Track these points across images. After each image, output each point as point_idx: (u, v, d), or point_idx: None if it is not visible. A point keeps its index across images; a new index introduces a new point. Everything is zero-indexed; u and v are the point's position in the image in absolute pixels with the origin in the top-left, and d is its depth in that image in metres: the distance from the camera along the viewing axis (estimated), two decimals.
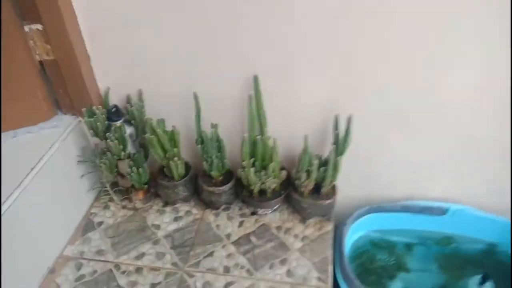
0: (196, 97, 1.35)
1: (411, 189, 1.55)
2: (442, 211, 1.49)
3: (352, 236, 1.52)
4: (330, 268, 1.32)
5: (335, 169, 1.35)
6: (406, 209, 1.51)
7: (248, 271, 1.30)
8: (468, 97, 1.27)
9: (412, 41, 1.17)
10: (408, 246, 1.54)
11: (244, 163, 1.35)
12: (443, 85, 1.25)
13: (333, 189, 1.45)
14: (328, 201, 1.42)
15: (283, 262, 1.33)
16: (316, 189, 1.42)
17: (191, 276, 1.28)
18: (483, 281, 1.42)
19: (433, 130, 1.37)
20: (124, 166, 1.43)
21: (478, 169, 1.45)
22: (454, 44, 1.16)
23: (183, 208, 1.52)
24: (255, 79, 1.29)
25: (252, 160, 1.36)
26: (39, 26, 1.18)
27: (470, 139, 1.37)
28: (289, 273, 1.29)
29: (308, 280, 1.27)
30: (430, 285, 1.43)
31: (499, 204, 1.50)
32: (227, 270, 1.30)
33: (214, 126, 1.37)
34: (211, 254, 1.35)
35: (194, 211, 1.51)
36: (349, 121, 1.28)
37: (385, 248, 1.54)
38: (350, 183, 1.55)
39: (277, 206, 1.48)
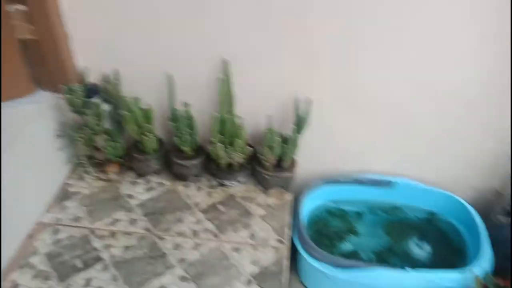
0: (169, 78, 1.47)
1: (362, 164, 1.73)
2: (389, 184, 1.69)
3: (310, 205, 1.69)
4: (288, 231, 1.49)
5: (295, 145, 1.51)
6: (358, 181, 1.69)
7: (214, 234, 1.45)
8: (406, 82, 1.45)
9: (362, 27, 1.34)
10: (359, 214, 1.74)
11: (214, 139, 1.49)
12: (388, 71, 1.43)
13: (293, 163, 1.61)
14: (288, 174, 1.58)
15: (246, 226, 1.49)
16: (278, 163, 1.58)
17: (162, 239, 1.42)
18: (421, 242, 1.63)
19: (378, 111, 1.55)
20: (100, 140, 1.54)
21: (419, 147, 1.65)
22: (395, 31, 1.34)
23: (155, 179, 1.65)
24: (225, 62, 1.42)
25: (221, 137, 1.49)
26: (23, 7, 1.25)
27: (411, 120, 1.56)
28: (251, 235, 1.45)
29: (268, 241, 1.44)
30: (376, 247, 1.63)
31: (437, 178, 1.71)
32: (195, 234, 1.45)
33: (186, 105, 1.50)
34: (180, 220, 1.49)
35: (166, 182, 1.64)
36: (308, 104, 1.44)
37: (338, 216, 1.73)
38: (309, 159, 1.72)
39: (243, 178, 1.63)
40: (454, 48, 1.35)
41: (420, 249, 1.63)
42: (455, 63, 1.39)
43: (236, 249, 1.41)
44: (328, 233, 1.66)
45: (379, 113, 1.55)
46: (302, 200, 1.58)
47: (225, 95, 1.45)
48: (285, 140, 1.51)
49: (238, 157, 1.53)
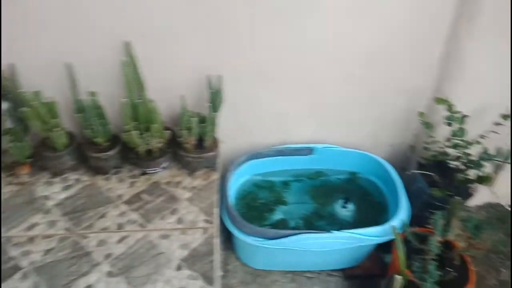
0: (68, 67, 1.38)
1: (284, 135, 1.76)
2: (310, 151, 1.74)
3: (237, 182, 1.71)
4: (216, 210, 1.49)
5: (213, 124, 1.49)
6: (280, 153, 1.72)
7: (140, 224, 1.42)
8: (313, 51, 1.48)
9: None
10: (285, 184, 1.78)
11: (127, 127, 1.43)
12: (296, 41, 1.44)
13: (215, 142, 1.60)
14: (211, 154, 1.57)
15: (173, 212, 1.46)
16: (200, 144, 1.56)
17: (84, 237, 1.36)
18: (345, 203, 1.71)
19: (290, 82, 1.57)
20: (3, 142, 1.42)
21: (334, 113, 1.70)
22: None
23: (72, 176, 1.57)
24: (127, 44, 1.35)
25: (134, 123, 1.44)
26: None
27: (322, 87, 1.60)
28: (179, 220, 1.44)
29: (196, 223, 1.43)
30: (303, 213, 1.69)
31: (355, 139, 1.79)
32: (120, 227, 1.40)
33: (93, 94, 1.42)
34: (103, 215, 1.44)
35: (84, 178, 1.56)
36: (219, 81, 1.42)
37: (266, 187, 1.76)
38: (232, 136, 1.72)
39: (166, 163, 1.59)
40: (355, 11, 1.39)
41: (345, 209, 1.71)
42: (358, 25, 1.43)
43: (164, 236, 1.39)
44: (257, 206, 1.69)
45: (292, 83, 1.57)
46: (227, 178, 1.58)
47: (132, 78, 1.39)
48: (202, 120, 1.48)
49: (156, 143, 1.48)
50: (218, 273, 1.33)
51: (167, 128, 1.54)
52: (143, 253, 1.33)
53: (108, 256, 1.32)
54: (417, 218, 1.60)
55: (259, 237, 1.43)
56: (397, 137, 1.83)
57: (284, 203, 1.72)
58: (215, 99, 1.45)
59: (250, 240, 1.43)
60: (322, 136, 1.77)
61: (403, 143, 1.87)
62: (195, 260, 1.33)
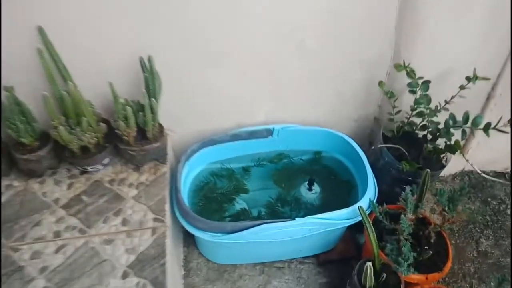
0: None
1: (239, 118, 1.62)
2: (269, 133, 1.60)
3: (191, 172, 1.56)
4: (167, 206, 1.34)
5: (153, 111, 1.34)
6: (237, 137, 1.58)
7: (80, 230, 1.26)
8: (261, 26, 1.32)
9: None
10: (245, 170, 1.64)
11: (54, 122, 1.26)
12: (240, 14, 1.28)
13: (161, 131, 1.44)
14: (156, 145, 1.42)
15: (117, 213, 1.31)
16: (142, 135, 1.40)
17: (16, 250, 1.20)
18: (310, 185, 1.59)
19: (239, 61, 1.42)
20: None
21: (290, 90, 1.56)
22: None
23: (2, 183, 1.39)
24: (40, 30, 1.17)
25: (63, 118, 1.27)
26: None
27: (274, 65, 1.46)
28: (124, 221, 1.29)
29: (144, 224, 1.29)
30: (266, 199, 1.56)
31: (316, 117, 1.66)
32: (57, 235, 1.25)
33: (9, 89, 1.23)
34: (38, 223, 1.27)
35: (16, 183, 1.39)
36: (150, 61, 1.26)
37: (225, 176, 1.62)
38: (183, 123, 1.57)
39: (107, 160, 1.43)
40: None
41: (310, 192, 1.59)
42: None
43: (108, 241, 1.24)
44: (216, 197, 1.55)
45: (241, 61, 1.43)
46: (178, 169, 1.43)
47: (51, 68, 1.21)
48: (140, 108, 1.33)
49: (90, 138, 1.32)
50: (170, 278, 1.20)
51: (104, 120, 1.38)
52: (84, 262, 1.19)
53: (43, 269, 1.17)
54: (388, 195, 1.49)
55: (216, 232, 1.30)
56: (360, 111, 1.71)
57: (245, 191, 1.58)
58: (151, 83, 1.29)
59: (206, 236, 1.30)
60: (280, 115, 1.64)
61: (368, 117, 1.75)
62: (143, 265, 1.19)
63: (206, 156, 1.57)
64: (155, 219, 1.30)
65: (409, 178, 1.50)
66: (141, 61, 1.28)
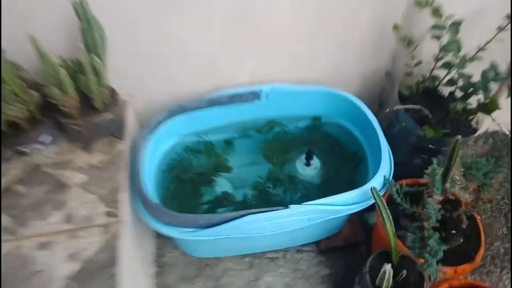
0: None
1: (218, 79, 1.29)
2: (255, 95, 1.27)
3: (159, 148, 1.25)
4: (123, 196, 1.05)
5: (97, 72, 1.01)
6: (215, 102, 1.26)
7: (11, 232, 0.97)
8: None
9: None
10: (227, 143, 1.33)
11: None
12: None
13: (114, 98, 1.12)
14: (109, 116, 1.10)
15: (59, 206, 1.02)
16: (90, 105, 1.08)
17: None
18: (308, 158, 1.28)
19: (217, 4, 1.08)
20: None
21: (282, 41, 1.22)
22: None
23: None
24: None
25: None
26: None
27: (265, 10, 1.12)
28: (67, 218, 0.99)
29: (93, 220, 0.99)
30: (255, 180, 1.26)
31: (313, 74, 1.33)
32: None
33: None
34: None
35: None
36: (82, 4, 0.92)
37: (203, 151, 1.31)
38: (146, 87, 1.25)
39: (49, 138, 1.11)
40: None
41: (309, 168, 1.29)
42: None
43: (44, 245, 0.95)
44: (191, 178, 1.25)
45: (211, 6, 1.08)
46: (140, 146, 1.12)
47: None
48: (79, 68, 1.00)
49: (19, 111, 1.00)
50: None
51: (35, 87, 1.05)
52: (12, 274, 0.90)
53: None
54: (403, 168, 1.19)
55: (186, 227, 1.00)
56: (369, 64, 1.38)
57: (227, 169, 1.28)
58: (89, 34, 0.95)
59: (173, 233, 1.01)
60: (269, 73, 1.31)
61: (378, 71, 1.42)
62: (90, 275, 0.91)
63: (178, 128, 1.25)
64: (108, 213, 1.01)
65: (431, 147, 1.20)
66: (74, 5, 0.94)
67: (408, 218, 1.11)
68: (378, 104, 1.49)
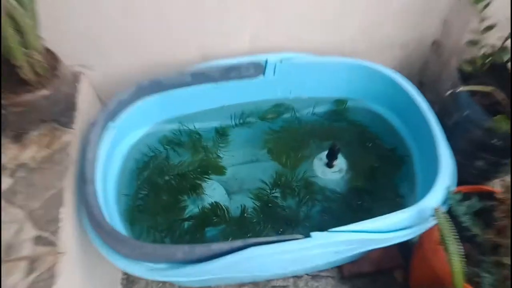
0: None
1: (206, 44, 0.94)
2: (258, 69, 0.92)
3: (125, 140, 0.91)
4: (66, 212, 0.71)
5: (20, 28, 0.65)
6: (203, 77, 0.91)
7: None
8: None
9: None
10: (220, 133, 0.99)
11: None
12: None
13: (53, 67, 0.77)
14: (44, 92, 0.75)
15: None
16: (17, 77, 0.73)
17: None
18: (330, 157, 0.94)
19: None
20: None
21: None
22: None
23: None
24: None
25: None
26: None
27: None
28: None
29: (15, 249, 0.65)
30: (256, 186, 0.92)
31: (338, 41, 0.98)
32: None
33: None
34: None
35: None
36: None
37: (185, 144, 0.97)
38: (107, 53, 0.90)
39: None
40: None
41: (331, 170, 0.95)
42: None
43: None
44: (169, 182, 0.91)
45: None
46: (92, 137, 0.77)
47: None
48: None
49: None
50: None
51: None
52: None
53: None
54: (461, 171, 0.86)
55: (157, 263, 0.67)
56: (412, 31, 1.03)
57: (219, 170, 0.94)
58: None
59: (136, 270, 0.67)
60: (277, 39, 0.96)
61: (422, 40, 1.07)
62: None
63: (150, 111, 0.91)
64: (37, 241, 0.67)
65: (499, 144, 0.87)
66: None
67: (468, 241, 0.79)
68: (417, 83, 1.15)
